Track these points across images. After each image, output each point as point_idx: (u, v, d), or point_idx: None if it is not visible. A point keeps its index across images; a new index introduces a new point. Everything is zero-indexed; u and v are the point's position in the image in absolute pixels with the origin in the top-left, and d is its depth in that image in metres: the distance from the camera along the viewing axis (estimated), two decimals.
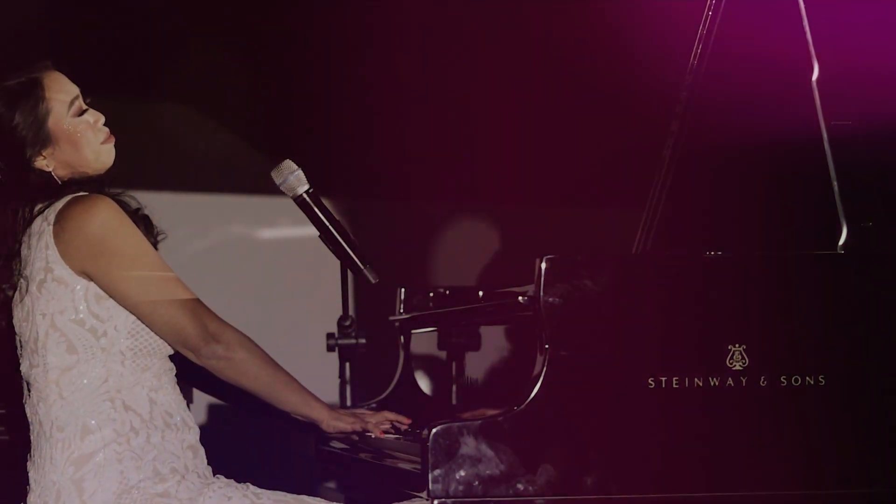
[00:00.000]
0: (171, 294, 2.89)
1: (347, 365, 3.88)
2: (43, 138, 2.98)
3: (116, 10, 5.67)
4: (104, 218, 2.88)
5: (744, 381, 2.93)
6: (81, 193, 2.94)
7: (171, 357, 3.01)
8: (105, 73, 5.30)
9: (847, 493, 2.95)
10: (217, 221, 5.85)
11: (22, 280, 2.96)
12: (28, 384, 2.97)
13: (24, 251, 2.95)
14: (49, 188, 2.98)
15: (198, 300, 2.94)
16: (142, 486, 2.84)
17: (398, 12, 6.11)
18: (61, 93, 3.00)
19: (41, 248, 2.91)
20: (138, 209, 3.02)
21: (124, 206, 2.96)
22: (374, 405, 3.86)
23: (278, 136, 5.91)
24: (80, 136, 2.99)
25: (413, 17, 6.11)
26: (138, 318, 2.91)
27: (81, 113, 3.01)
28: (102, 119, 3.04)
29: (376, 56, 6.11)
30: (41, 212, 2.95)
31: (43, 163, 2.99)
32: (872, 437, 2.96)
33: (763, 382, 2.94)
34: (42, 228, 2.92)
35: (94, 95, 3.11)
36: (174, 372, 3.01)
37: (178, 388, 3.00)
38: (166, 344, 2.96)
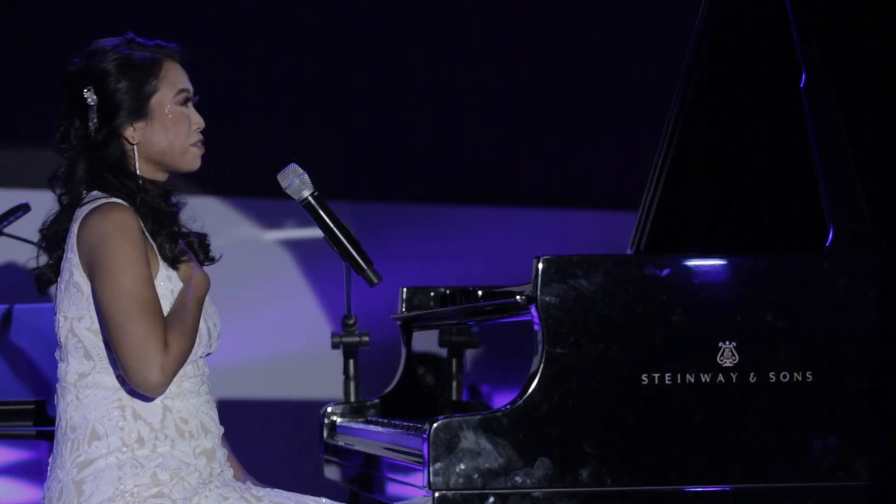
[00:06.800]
0: (132, 328, 2.74)
1: (351, 362, 3.89)
2: (140, 110, 2.92)
3: (128, 11, 5.73)
4: (110, 227, 2.79)
5: (734, 376, 2.97)
6: (112, 200, 2.85)
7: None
8: None
9: (835, 486, 2.99)
10: (225, 224, 5.93)
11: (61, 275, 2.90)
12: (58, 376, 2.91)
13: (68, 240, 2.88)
14: (114, 169, 2.91)
15: (157, 345, 2.74)
16: (136, 490, 2.79)
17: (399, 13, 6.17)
18: (176, 80, 2.96)
19: (69, 249, 2.85)
20: (188, 232, 2.95)
21: (185, 234, 2.91)
22: (377, 401, 3.91)
23: (283, 139, 5.97)
24: (175, 123, 2.95)
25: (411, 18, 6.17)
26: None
27: (185, 103, 2.98)
28: (202, 126, 2.99)
29: (376, 57, 6.16)
30: (83, 204, 2.88)
31: (131, 133, 2.92)
32: (856, 431, 3.01)
33: (752, 378, 2.98)
34: (72, 228, 2.85)
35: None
36: (202, 375, 2.93)
37: (204, 390, 2.92)
38: (194, 352, 2.87)
